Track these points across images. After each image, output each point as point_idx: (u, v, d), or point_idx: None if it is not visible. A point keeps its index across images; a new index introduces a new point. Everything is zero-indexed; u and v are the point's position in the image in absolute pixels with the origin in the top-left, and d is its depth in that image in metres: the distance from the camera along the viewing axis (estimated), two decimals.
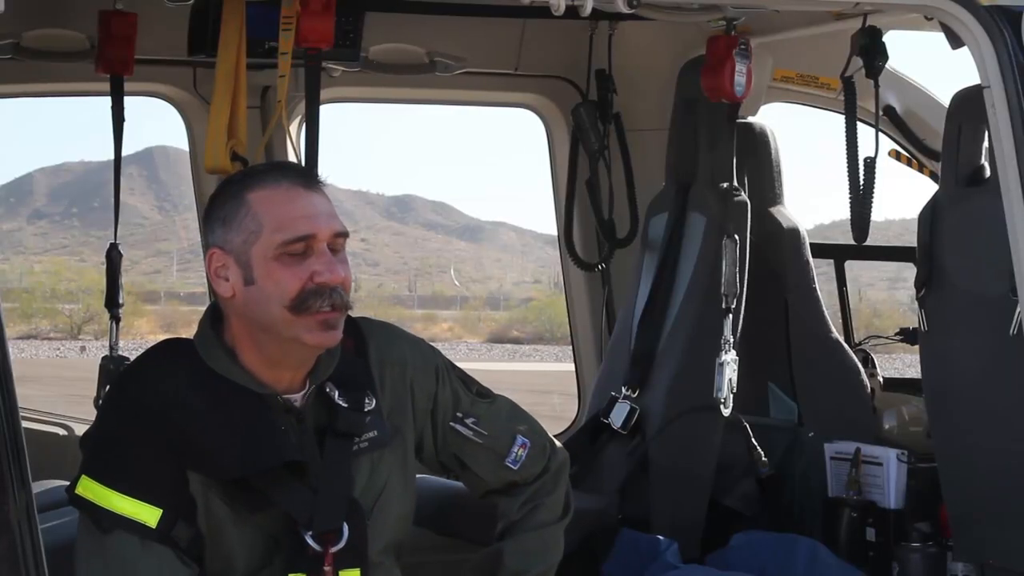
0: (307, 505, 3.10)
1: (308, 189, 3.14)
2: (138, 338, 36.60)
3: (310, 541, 3.10)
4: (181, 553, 3.05)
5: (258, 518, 3.11)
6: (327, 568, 3.11)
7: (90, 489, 3.06)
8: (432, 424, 3.43)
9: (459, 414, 3.44)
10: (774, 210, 5.34)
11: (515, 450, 3.48)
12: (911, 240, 4.76)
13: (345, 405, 3.21)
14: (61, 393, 19.49)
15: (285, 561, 3.11)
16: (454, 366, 3.50)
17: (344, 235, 3.16)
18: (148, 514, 3.03)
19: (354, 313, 3.26)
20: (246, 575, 3.13)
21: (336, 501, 3.14)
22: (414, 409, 3.38)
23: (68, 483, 3.14)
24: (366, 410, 3.23)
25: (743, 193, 5.09)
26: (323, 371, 3.22)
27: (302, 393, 3.20)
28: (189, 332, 3.31)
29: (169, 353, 3.22)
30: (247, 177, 3.20)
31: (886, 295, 62.58)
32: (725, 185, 5.06)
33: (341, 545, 3.12)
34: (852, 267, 6.31)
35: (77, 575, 3.07)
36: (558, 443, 3.63)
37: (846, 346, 5.39)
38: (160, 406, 3.09)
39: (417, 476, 3.43)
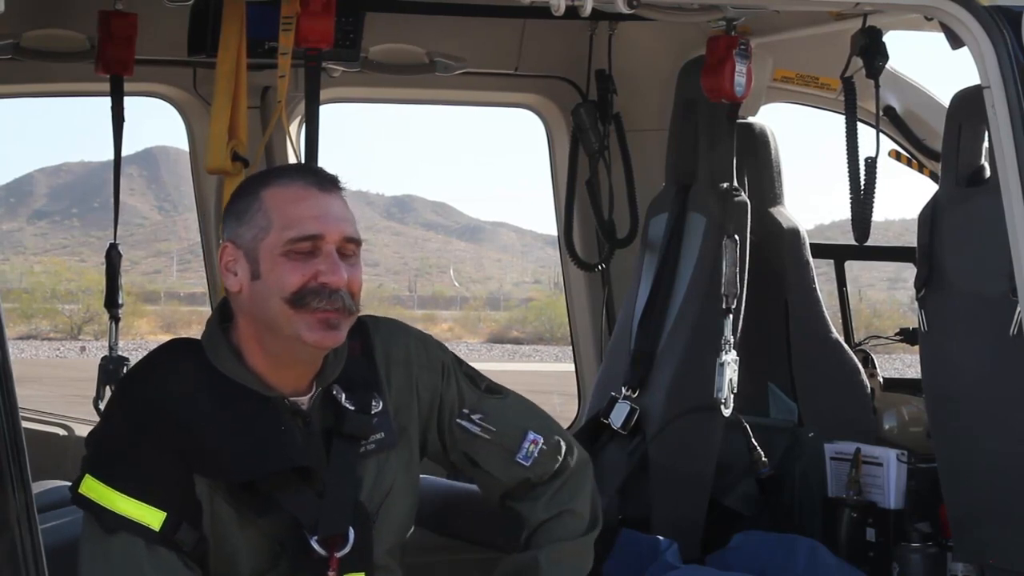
0: (313, 509, 3.09)
1: (323, 191, 3.15)
2: (138, 338, 36.63)
3: (315, 545, 3.09)
4: (185, 557, 3.04)
5: (263, 522, 3.10)
6: (332, 573, 3.09)
7: (94, 489, 3.05)
8: (438, 422, 3.40)
9: (465, 411, 3.40)
10: (774, 210, 5.33)
11: (526, 446, 3.41)
12: (911, 240, 4.75)
13: (352, 408, 3.20)
14: (61, 393, 19.49)
15: (290, 565, 3.11)
16: (462, 362, 3.46)
17: (355, 241, 3.15)
18: (152, 517, 3.01)
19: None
20: None
21: (342, 505, 3.13)
22: (419, 407, 3.37)
23: (68, 483, 3.13)
24: (373, 412, 3.22)
25: (743, 193, 5.08)
26: (329, 374, 3.22)
27: (308, 396, 3.19)
28: (189, 333, 3.32)
29: (175, 353, 3.22)
30: (265, 175, 3.24)
31: (886, 295, 62.54)
32: (725, 185, 5.05)
33: (347, 550, 3.11)
34: (852, 267, 6.31)
35: (81, 574, 3.06)
36: (576, 443, 3.53)
37: (846, 346, 5.38)
38: (166, 408, 3.08)
39: (421, 476, 3.41)
